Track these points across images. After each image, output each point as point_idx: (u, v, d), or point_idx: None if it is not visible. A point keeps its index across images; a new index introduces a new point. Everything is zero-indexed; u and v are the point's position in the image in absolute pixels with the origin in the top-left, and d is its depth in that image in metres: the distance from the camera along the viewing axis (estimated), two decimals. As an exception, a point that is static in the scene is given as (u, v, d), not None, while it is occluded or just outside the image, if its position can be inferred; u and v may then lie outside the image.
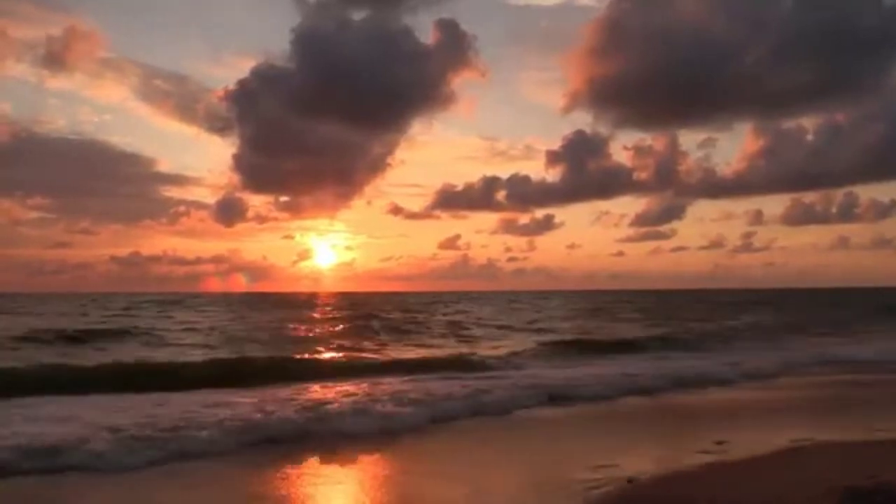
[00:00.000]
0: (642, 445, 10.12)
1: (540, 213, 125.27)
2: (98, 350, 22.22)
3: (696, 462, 8.58)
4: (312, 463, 9.15)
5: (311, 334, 31.32)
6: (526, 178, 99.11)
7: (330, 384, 15.06)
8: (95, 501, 7.67)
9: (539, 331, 33.45)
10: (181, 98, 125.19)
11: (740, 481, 7.47)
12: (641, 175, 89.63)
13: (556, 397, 13.91)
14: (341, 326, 35.20)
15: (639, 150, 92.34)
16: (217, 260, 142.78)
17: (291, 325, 36.35)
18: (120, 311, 49.02)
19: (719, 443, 9.67)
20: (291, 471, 8.56)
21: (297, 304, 75.34)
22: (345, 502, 7.53)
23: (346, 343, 26.94)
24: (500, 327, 35.84)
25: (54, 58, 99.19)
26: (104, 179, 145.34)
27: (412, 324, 36.72)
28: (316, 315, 48.36)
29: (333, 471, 8.81)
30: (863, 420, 11.56)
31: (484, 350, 23.83)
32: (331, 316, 45.95)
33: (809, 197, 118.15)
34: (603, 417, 12.54)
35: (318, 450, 9.70)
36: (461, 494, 7.44)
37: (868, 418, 11.74)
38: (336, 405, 11.81)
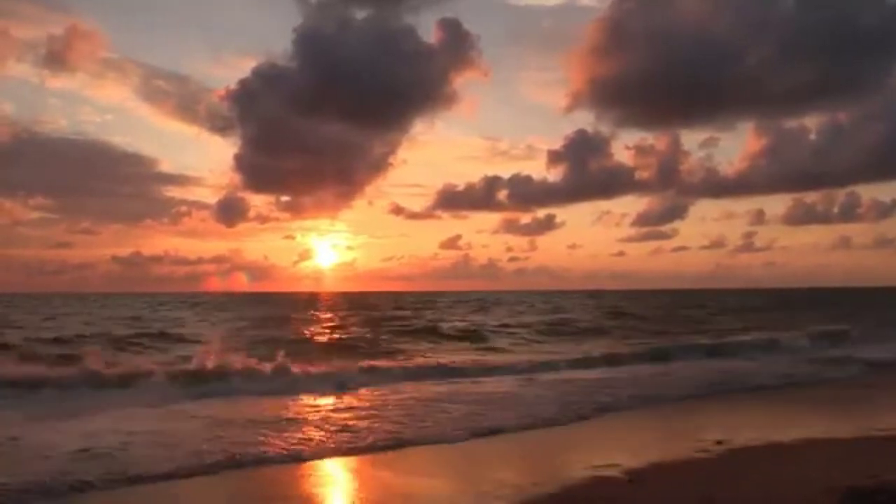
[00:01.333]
0: (643, 443, 10.10)
1: (541, 213, 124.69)
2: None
3: (696, 460, 8.60)
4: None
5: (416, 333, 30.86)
6: (527, 178, 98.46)
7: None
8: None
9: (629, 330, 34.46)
10: (182, 98, 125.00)
11: (741, 480, 7.44)
12: (643, 175, 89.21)
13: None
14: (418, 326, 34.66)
15: (640, 150, 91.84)
16: (218, 260, 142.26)
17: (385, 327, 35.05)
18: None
19: (719, 442, 9.67)
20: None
21: (327, 305, 74.01)
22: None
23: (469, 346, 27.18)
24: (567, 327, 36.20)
25: (55, 58, 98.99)
26: (105, 180, 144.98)
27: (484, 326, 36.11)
28: (374, 316, 46.97)
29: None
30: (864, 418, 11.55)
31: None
32: (390, 316, 45.39)
33: (811, 197, 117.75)
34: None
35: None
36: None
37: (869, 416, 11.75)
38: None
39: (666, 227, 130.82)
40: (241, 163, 73.77)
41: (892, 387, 16.87)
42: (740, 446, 9.41)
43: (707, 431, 10.59)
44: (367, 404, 13.31)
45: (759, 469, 8.01)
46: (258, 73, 62.81)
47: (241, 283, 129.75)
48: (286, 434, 10.29)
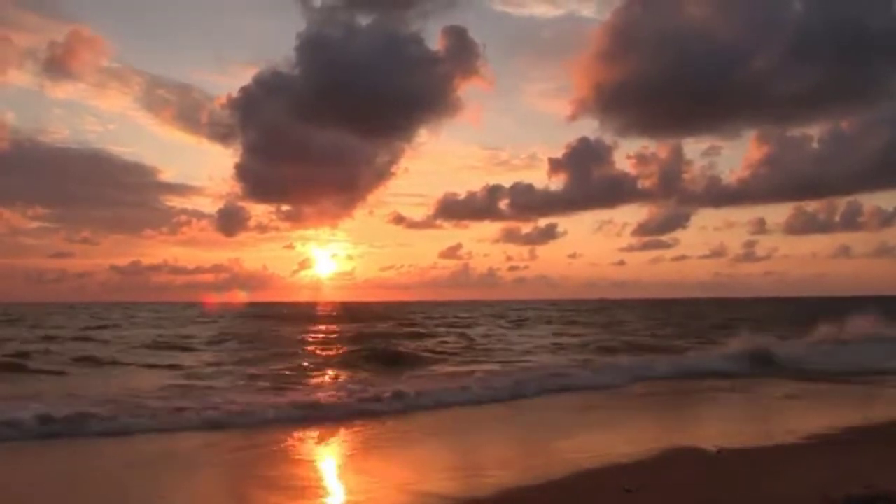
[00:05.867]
0: (640, 448, 10.07)
1: (542, 222, 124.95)
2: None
3: (693, 469, 8.60)
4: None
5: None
6: (529, 187, 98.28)
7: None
8: None
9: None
10: (184, 107, 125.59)
11: (738, 488, 7.44)
12: (645, 183, 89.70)
13: None
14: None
15: (642, 159, 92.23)
16: (218, 269, 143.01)
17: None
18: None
19: (718, 450, 9.66)
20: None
21: (367, 314, 72.14)
22: None
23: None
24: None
25: (57, 66, 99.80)
26: (106, 189, 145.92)
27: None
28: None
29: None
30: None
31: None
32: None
33: (813, 205, 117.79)
34: None
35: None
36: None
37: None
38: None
39: (667, 237, 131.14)
40: (241, 171, 74.29)
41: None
42: (736, 452, 9.41)
43: (707, 438, 10.56)
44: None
45: (757, 476, 8.01)
46: (260, 81, 63.09)
47: (241, 293, 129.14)
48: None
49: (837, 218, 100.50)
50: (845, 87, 60.56)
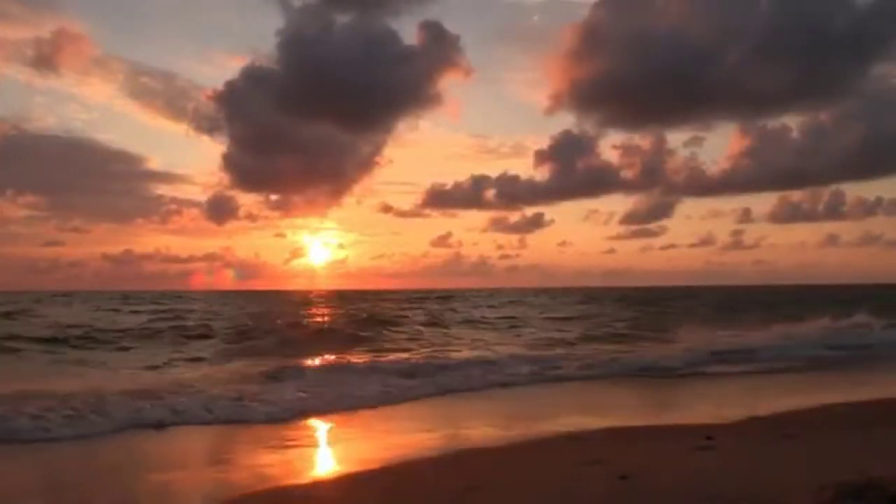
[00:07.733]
0: (636, 439, 10.08)
1: (531, 211, 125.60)
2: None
3: (686, 457, 8.57)
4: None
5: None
6: (515, 177, 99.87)
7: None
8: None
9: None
10: (170, 96, 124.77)
11: (729, 478, 7.42)
12: (632, 173, 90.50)
13: None
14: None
15: (628, 149, 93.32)
16: (210, 258, 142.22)
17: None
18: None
19: (709, 437, 9.65)
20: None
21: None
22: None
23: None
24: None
25: (42, 56, 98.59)
26: (96, 177, 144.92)
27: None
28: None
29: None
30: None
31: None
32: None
33: (797, 195, 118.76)
34: None
35: None
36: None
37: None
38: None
39: (655, 226, 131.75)
40: (229, 162, 74.31)
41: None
42: (727, 442, 9.40)
43: (698, 426, 10.56)
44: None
45: (749, 464, 8.00)
46: (245, 75, 63.30)
47: (231, 280, 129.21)
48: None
49: (821, 207, 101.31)
50: (825, 78, 60.91)
